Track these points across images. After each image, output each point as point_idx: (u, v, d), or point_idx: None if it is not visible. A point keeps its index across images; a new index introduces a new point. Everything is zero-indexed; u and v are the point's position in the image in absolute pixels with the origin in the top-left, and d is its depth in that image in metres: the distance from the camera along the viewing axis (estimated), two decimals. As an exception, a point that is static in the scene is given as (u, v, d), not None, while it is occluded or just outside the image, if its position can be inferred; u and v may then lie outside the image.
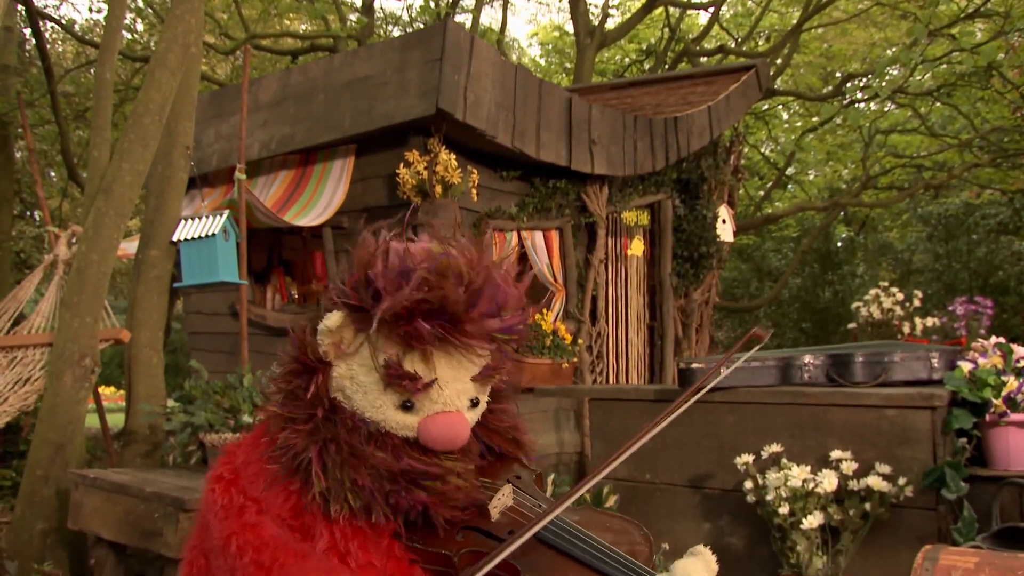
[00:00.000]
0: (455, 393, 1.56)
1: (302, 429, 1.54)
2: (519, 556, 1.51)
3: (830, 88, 13.61)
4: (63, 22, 11.30)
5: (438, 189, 4.93)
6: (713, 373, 1.83)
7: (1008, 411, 3.24)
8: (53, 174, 12.89)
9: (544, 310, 6.01)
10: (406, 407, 1.54)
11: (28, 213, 11.91)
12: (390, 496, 1.51)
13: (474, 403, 1.61)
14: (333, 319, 1.56)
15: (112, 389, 14.56)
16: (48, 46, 9.80)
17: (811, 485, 3.23)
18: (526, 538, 1.50)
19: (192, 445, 3.93)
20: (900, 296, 5.39)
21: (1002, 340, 3.50)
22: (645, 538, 1.60)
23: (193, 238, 4.37)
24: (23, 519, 3.92)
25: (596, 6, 14.17)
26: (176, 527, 3.03)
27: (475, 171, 5.34)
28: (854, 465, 3.27)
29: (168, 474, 3.71)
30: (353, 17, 12.37)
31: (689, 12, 14.06)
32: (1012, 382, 3.27)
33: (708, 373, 1.74)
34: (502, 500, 1.60)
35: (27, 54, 10.41)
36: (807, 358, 3.66)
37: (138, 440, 4.34)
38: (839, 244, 14.29)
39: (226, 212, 4.41)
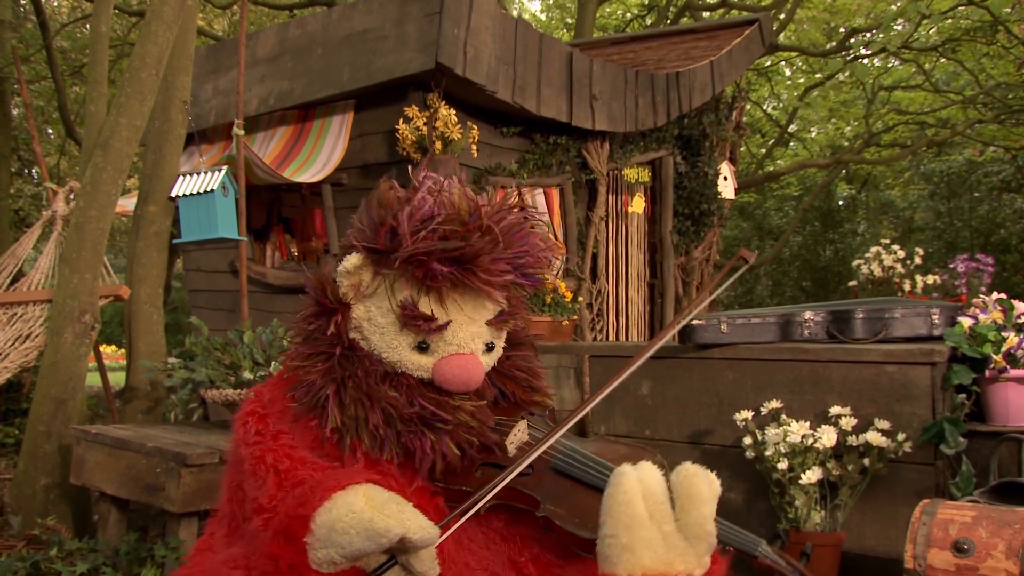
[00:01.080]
0: (470, 336, 1.58)
1: (321, 367, 1.59)
2: (536, 487, 1.55)
3: (834, 43, 13.46)
4: (57, -24, 11.15)
5: (438, 145, 4.89)
6: (702, 299, 1.84)
7: (1008, 367, 3.25)
8: (50, 131, 12.81)
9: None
10: (421, 348, 1.57)
11: (26, 170, 11.84)
12: (401, 437, 1.54)
13: (489, 347, 1.64)
14: (352, 260, 1.59)
15: (113, 348, 14.61)
16: (43, 0, 9.68)
17: (810, 441, 3.24)
18: (532, 457, 1.54)
19: (193, 402, 3.94)
20: (901, 254, 5.37)
21: (1003, 296, 3.49)
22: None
23: (192, 194, 4.34)
24: (26, 474, 3.94)
25: (598, -40, 13.96)
26: (178, 482, 3.05)
27: (475, 127, 5.30)
28: (853, 421, 3.28)
29: (170, 430, 3.73)
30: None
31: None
32: (1012, 338, 3.27)
33: (698, 298, 1.73)
34: (518, 436, 1.64)
35: (22, 8, 10.27)
36: (807, 314, 3.66)
37: (139, 396, 4.36)
38: (840, 202, 14.23)
39: (224, 168, 4.39)
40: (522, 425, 1.66)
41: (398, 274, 1.55)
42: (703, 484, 1.44)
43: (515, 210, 1.63)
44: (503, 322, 1.64)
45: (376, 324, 1.59)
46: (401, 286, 1.56)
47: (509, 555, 1.62)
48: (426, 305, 1.54)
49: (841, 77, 13.99)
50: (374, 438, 1.54)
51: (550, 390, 1.84)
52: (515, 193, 5.68)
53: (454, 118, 4.94)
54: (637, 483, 1.40)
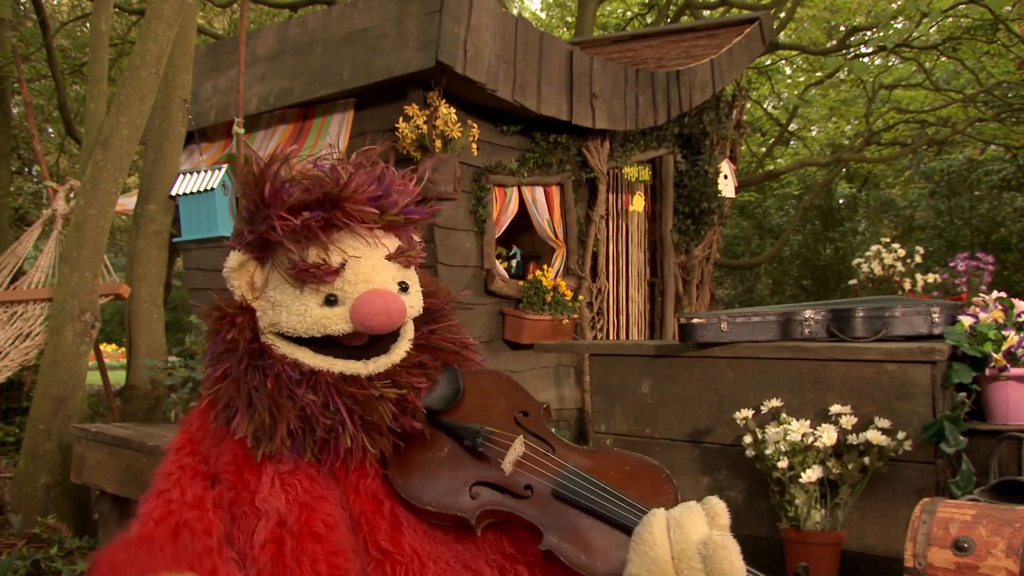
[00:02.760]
0: (372, 269, 1.53)
1: (231, 384, 1.54)
2: (538, 514, 1.45)
3: (834, 42, 13.46)
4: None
5: (438, 143, 4.89)
6: None
7: (1008, 365, 3.25)
8: (50, 129, 12.81)
9: (545, 266, 6.00)
10: (330, 301, 1.51)
11: (26, 169, 11.85)
12: (319, 441, 1.50)
13: (403, 287, 1.59)
14: (233, 258, 1.60)
15: (113, 346, 14.61)
16: (43, -1, 9.68)
17: (810, 439, 3.24)
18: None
19: (194, 400, 3.94)
20: (901, 252, 5.37)
21: (1003, 295, 3.49)
22: (669, 482, 1.52)
23: (192, 192, 4.34)
24: (26, 473, 3.94)
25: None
26: (178, 480, 3.04)
27: (475, 125, 5.29)
28: (853, 419, 3.28)
29: (170, 428, 3.73)
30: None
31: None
32: (1012, 337, 3.27)
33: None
34: (515, 452, 1.53)
35: (22, 7, 10.27)
36: (808, 313, 3.66)
37: (139, 395, 4.36)
38: (841, 201, 14.22)
39: (224, 166, 4.39)
40: (519, 441, 1.54)
41: (279, 249, 1.53)
42: (736, 559, 1.35)
43: (374, 163, 1.60)
44: (403, 255, 1.58)
45: (279, 304, 1.54)
46: (285, 257, 1.52)
47: (486, 552, 1.58)
48: (314, 256, 1.50)
49: (842, 76, 13.98)
50: (291, 444, 1.50)
51: (476, 346, 1.77)
52: (497, 198, 5.67)
53: (454, 116, 4.94)
54: (665, 536, 1.34)
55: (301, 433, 1.49)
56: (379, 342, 1.55)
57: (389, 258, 1.56)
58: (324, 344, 1.53)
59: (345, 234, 1.52)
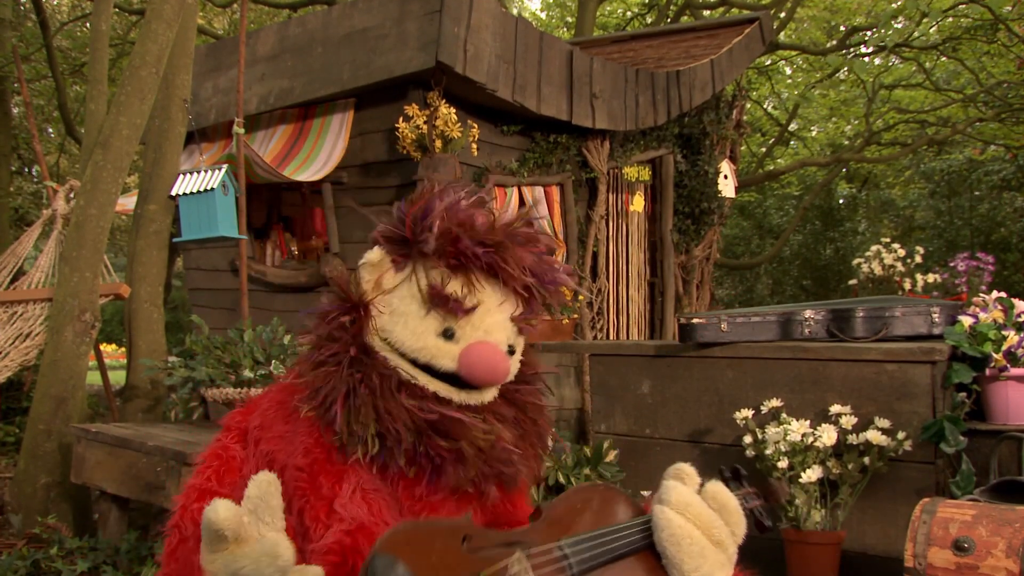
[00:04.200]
0: (497, 324, 1.55)
1: (334, 371, 1.53)
2: None
3: (834, 42, 13.46)
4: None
5: (438, 144, 4.89)
6: None
7: (1008, 365, 3.25)
8: (50, 129, 12.81)
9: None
10: (447, 335, 1.52)
11: (26, 169, 11.85)
12: (416, 445, 1.49)
13: (511, 350, 1.60)
14: (374, 253, 1.58)
15: (113, 346, 14.61)
16: (43, -1, 9.68)
17: (810, 439, 3.24)
18: None
19: (194, 400, 3.94)
20: (901, 252, 5.37)
21: (1003, 295, 3.49)
22: (610, 489, 1.57)
23: (192, 192, 4.34)
24: (26, 473, 3.94)
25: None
26: (179, 480, 3.05)
27: (475, 125, 5.29)
28: (853, 419, 3.28)
29: (170, 428, 3.73)
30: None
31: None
32: (1012, 336, 3.27)
33: None
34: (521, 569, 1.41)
35: (22, 7, 10.27)
36: (808, 313, 3.66)
37: (139, 395, 4.36)
38: (841, 201, 14.22)
39: (225, 166, 4.38)
40: (517, 560, 1.40)
41: (425, 261, 1.53)
42: (729, 496, 1.50)
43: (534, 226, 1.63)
44: (525, 321, 1.60)
45: (399, 314, 1.54)
46: (427, 272, 1.53)
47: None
48: (455, 287, 1.51)
49: (842, 76, 13.98)
50: (383, 446, 1.49)
51: (551, 428, 1.78)
52: (497, 198, 5.68)
53: (454, 116, 4.94)
54: (681, 518, 1.42)
55: (396, 437, 1.48)
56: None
57: (513, 319, 1.58)
58: (420, 367, 1.54)
59: (491, 278, 1.54)
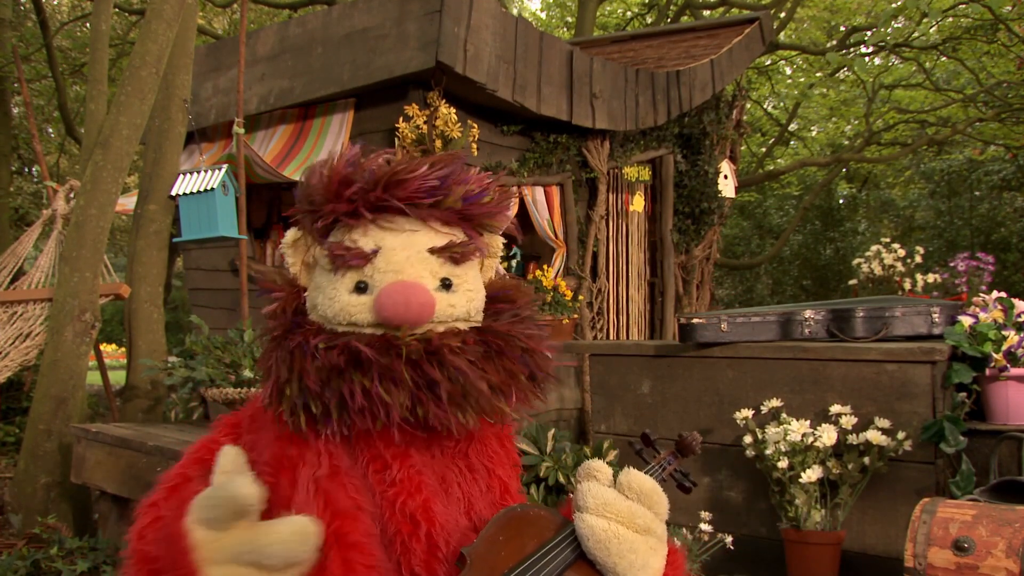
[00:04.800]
0: (407, 261, 1.44)
1: (266, 355, 1.48)
2: None
3: (834, 42, 13.46)
4: (57, -26, 11.16)
5: (438, 143, 4.89)
6: None
7: (1008, 365, 3.25)
8: (50, 129, 12.81)
9: (545, 266, 6.00)
10: (360, 288, 1.44)
11: (26, 169, 11.86)
12: (333, 395, 1.39)
13: (445, 283, 1.47)
14: (290, 233, 1.55)
15: (113, 346, 14.62)
16: (43, -1, 9.69)
17: (810, 439, 3.24)
18: None
19: (194, 400, 3.94)
20: (901, 252, 5.37)
21: (1003, 295, 3.49)
22: (526, 510, 1.51)
23: (192, 192, 4.34)
24: (26, 473, 3.94)
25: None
26: (178, 480, 3.04)
27: (475, 125, 5.29)
28: (853, 419, 3.28)
29: (170, 428, 3.73)
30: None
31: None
32: (1012, 336, 3.27)
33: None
34: None
35: (22, 7, 10.28)
36: (808, 313, 3.66)
37: (139, 395, 4.36)
38: (841, 201, 14.22)
39: (225, 166, 4.38)
40: None
41: (326, 225, 1.47)
42: (643, 479, 1.46)
43: (454, 159, 1.51)
44: (452, 250, 1.47)
45: (317, 286, 1.49)
46: (333, 236, 1.47)
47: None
48: (352, 240, 1.44)
49: (841, 76, 13.98)
50: (314, 407, 1.39)
51: (549, 361, 1.59)
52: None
53: (454, 116, 4.94)
54: (603, 520, 1.40)
55: (319, 392, 1.39)
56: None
57: (433, 251, 1.47)
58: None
59: (392, 220, 1.45)
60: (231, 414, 1.64)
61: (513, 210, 1.52)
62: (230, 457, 1.38)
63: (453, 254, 1.48)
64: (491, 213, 1.53)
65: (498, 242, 1.62)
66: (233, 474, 1.33)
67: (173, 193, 4.44)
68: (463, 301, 1.49)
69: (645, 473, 1.58)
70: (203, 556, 1.28)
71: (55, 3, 13.20)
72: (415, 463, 1.48)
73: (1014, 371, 3.25)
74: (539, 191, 5.97)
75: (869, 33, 12.61)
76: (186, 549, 1.29)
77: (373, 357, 1.37)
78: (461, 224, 1.51)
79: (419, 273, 1.45)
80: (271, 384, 1.44)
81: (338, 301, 1.45)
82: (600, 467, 1.47)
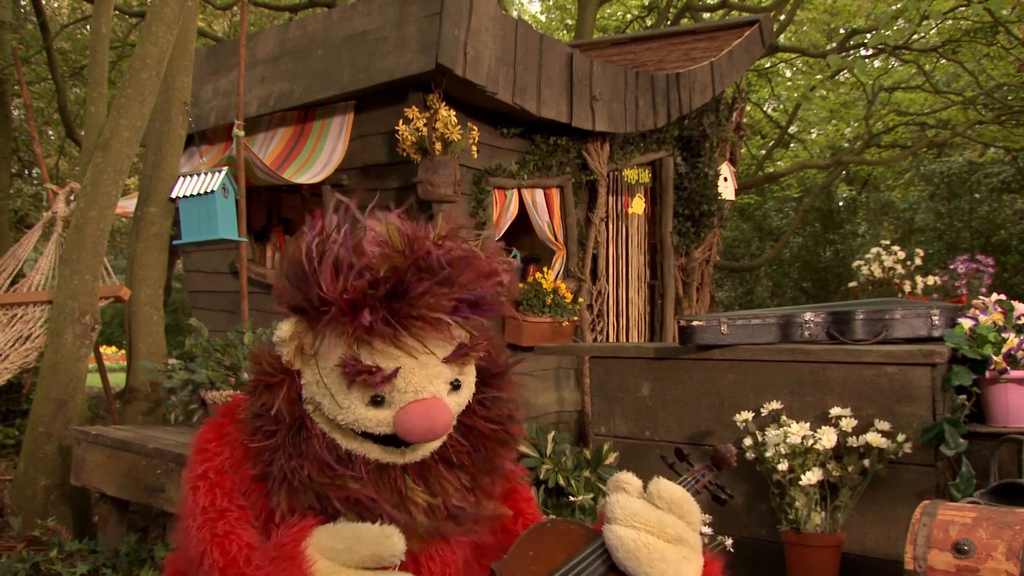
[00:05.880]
0: (425, 378, 1.46)
1: (269, 444, 1.50)
2: None
3: (834, 45, 13.46)
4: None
5: (438, 146, 4.89)
6: None
7: (1008, 368, 3.25)
8: (51, 132, 12.81)
9: (545, 268, 6.00)
10: (376, 402, 1.45)
11: (26, 171, 11.85)
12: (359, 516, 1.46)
13: (455, 385, 1.51)
14: (285, 327, 1.51)
15: (113, 349, 14.62)
16: (43, 1, 9.69)
17: (810, 442, 3.24)
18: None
19: (194, 403, 3.94)
20: (901, 255, 5.37)
21: (1003, 297, 3.49)
22: (560, 523, 1.55)
23: (192, 195, 4.34)
24: (26, 475, 3.94)
25: (598, -39, 13.95)
26: (179, 483, 3.04)
27: (475, 128, 5.30)
28: (853, 422, 3.28)
29: (170, 431, 3.73)
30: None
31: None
32: (1012, 339, 3.27)
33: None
34: None
35: (22, 10, 10.28)
36: (808, 315, 3.66)
37: (139, 398, 4.36)
38: (841, 203, 14.22)
39: (225, 169, 4.38)
40: None
41: (333, 330, 1.45)
42: (673, 489, 1.47)
43: (460, 240, 1.50)
44: (463, 355, 1.50)
45: (323, 386, 1.48)
46: (340, 341, 1.45)
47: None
48: (369, 356, 1.43)
49: (841, 78, 13.99)
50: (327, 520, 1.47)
51: (522, 433, 1.68)
52: (497, 201, 5.66)
53: (454, 119, 4.94)
54: (631, 531, 1.41)
55: (342, 513, 1.47)
56: None
57: (447, 361, 1.49)
58: (359, 435, 1.50)
59: (406, 333, 1.44)
60: (203, 463, 1.60)
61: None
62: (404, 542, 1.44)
63: (463, 358, 1.51)
64: (499, 304, 1.53)
65: None
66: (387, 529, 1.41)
67: (173, 195, 4.44)
68: (466, 396, 1.56)
69: (679, 481, 1.59)
70: None
71: (55, 5, 13.20)
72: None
73: (1014, 373, 3.25)
74: (539, 193, 5.97)
75: (869, 35, 12.61)
76: (304, 572, 1.38)
77: (388, 514, 1.47)
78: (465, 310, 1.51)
79: (436, 388, 1.48)
80: (282, 491, 1.48)
81: (352, 412, 1.46)
82: (629, 479, 1.48)
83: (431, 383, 1.47)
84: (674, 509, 1.42)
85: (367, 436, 1.49)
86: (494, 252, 1.53)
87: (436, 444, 1.53)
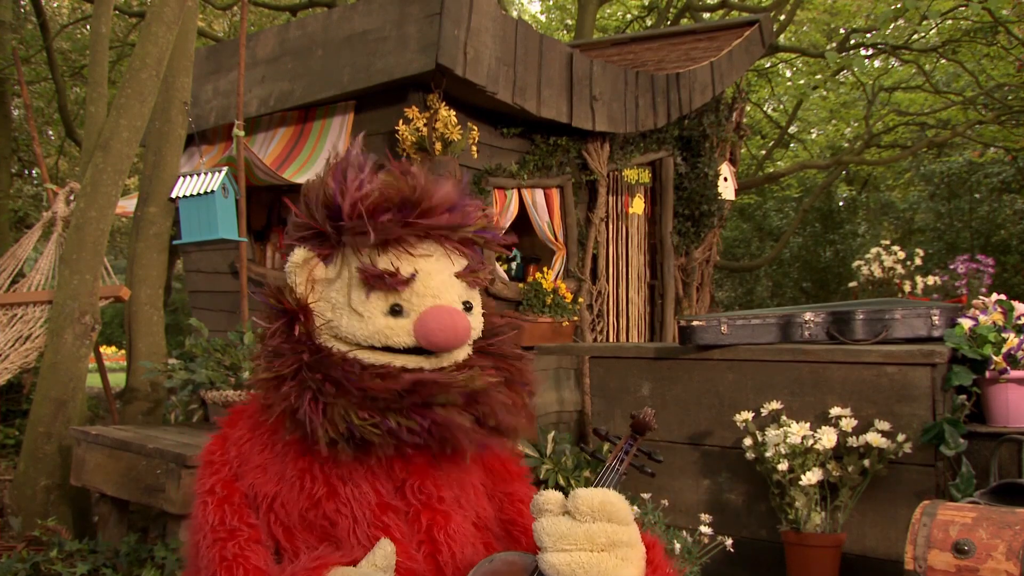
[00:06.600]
0: (442, 285, 1.49)
1: (293, 383, 1.46)
2: None
3: (834, 44, 13.47)
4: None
5: (438, 146, 4.89)
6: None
7: (1008, 368, 3.25)
8: (51, 132, 12.82)
9: (545, 268, 6.00)
10: (395, 311, 1.47)
11: (26, 171, 11.86)
12: (400, 424, 1.43)
13: (467, 306, 1.54)
14: (298, 253, 1.53)
15: (113, 349, 14.62)
16: (43, 1, 9.69)
17: (810, 442, 3.24)
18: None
19: (194, 403, 3.94)
20: (901, 255, 5.37)
21: (1003, 297, 3.49)
22: (509, 561, 1.51)
23: (192, 195, 4.34)
24: (26, 476, 3.94)
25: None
26: (178, 483, 3.05)
27: (475, 128, 5.30)
28: (853, 422, 3.28)
29: (170, 431, 3.73)
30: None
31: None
32: (1012, 339, 3.27)
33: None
34: None
35: (22, 10, 10.28)
36: (808, 315, 3.66)
37: (139, 398, 4.36)
38: (841, 203, 14.22)
39: (225, 169, 4.38)
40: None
41: (349, 248, 1.49)
42: (592, 496, 1.39)
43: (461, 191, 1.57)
44: (472, 273, 1.54)
45: (341, 306, 1.50)
46: (357, 256, 1.48)
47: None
48: (386, 262, 1.47)
49: (841, 78, 13.99)
50: (371, 434, 1.43)
51: (532, 368, 1.66)
52: (498, 200, 5.66)
53: (454, 119, 4.94)
54: (563, 555, 1.35)
55: (376, 424, 1.43)
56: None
57: (458, 275, 1.52)
58: (380, 350, 1.49)
59: (419, 243, 1.49)
60: (210, 476, 1.59)
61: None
62: (386, 552, 1.40)
63: (471, 277, 1.55)
64: (496, 241, 1.60)
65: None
66: (387, 571, 1.38)
67: (173, 195, 4.44)
68: (478, 323, 1.58)
69: (598, 478, 1.58)
70: None
71: (55, 5, 13.20)
72: (440, 480, 1.54)
73: (1014, 373, 3.25)
74: (539, 193, 5.97)
75: (869, 35, 12.61)
76: None
77: (438, 388, 1.44)
78: (471, 248, 1.57)
79: (451, 298, 1.50)
80: (311, 416, 1.44)
81: (372, 323, 1.47)
82: (548, 498, 1.41)
83: (448, 291, 1.50)
84: (599, 515, 1.36)
85: (388, 350, 1.48)
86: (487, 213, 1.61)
87: (461, 356, 1.53)
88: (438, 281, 1.49)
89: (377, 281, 1.46)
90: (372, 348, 1.49)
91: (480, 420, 1.48)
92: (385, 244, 1.48)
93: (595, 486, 1.48)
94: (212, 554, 1.46)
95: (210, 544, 1.47)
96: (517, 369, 1.60)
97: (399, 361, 1.48)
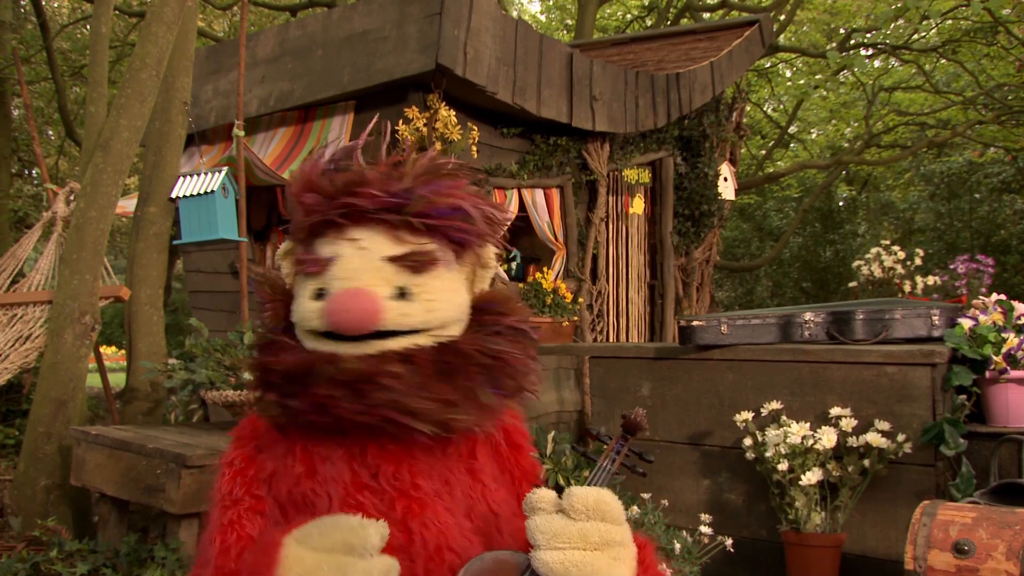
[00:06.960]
0: (362, 268, 1.46)
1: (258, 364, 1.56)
2: None
3: (834, 44, 13.47)
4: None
5: (438, 146, 4.89)
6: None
7: (1008, 368, 3.25)
8: (51, 132, 12.82)
9: (545, 268, 6.00)
10: (319, 295, 1.48)
11: (26, 171, 11.86)
12: (289, 400, 1.46)
13: (401, 292, 1.48)
14: (284, 244, 1.62)
15: (113, 349, 14.62)
16: (43, 1, 9.69)
17: (810, 442, 3.24)
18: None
19: (194, 403, 3.94)
20: (901, 255, 5.37)
21: (1003, 297, 3.49)
22: (501, 560, 1.50)
23: (192, 195, 4.34)
24: (26, 476, 3.94)
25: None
26: (178, 483, 3.04)
27: (475, 128, 5.30)
28: (853, 422, 3.28)
29: (170, 431, 3.73)
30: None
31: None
32: (1012, 339, 3.27)
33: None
34: None
35: (22, 9, 10.28)
36: (808, 315, 3.66)
37: (139, 398, 4.36)
38: (841, 203, 14.22)
39: (225, 169, 4.38)
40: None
41: (296, 230, 1.55)
42: (585, 495, 1.39)
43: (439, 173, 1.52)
44: (409, 261, 1.47)
45: (297, 294, 1.55)
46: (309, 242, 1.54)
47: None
48: (323, 247, 1.50)
49: (841, 78, 13.99)
50: (278, 413, 1.50)
51: (534, 384, 1.64)
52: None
53: (454, 119, 4.95)
54: (556, 553, 1.36)
55: (276, 401, 1.49)
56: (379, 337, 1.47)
57: (390, 259, 1.47)
58: (328, 336, 1.48)
59: (354, 228, 1.48)
60: (235, 448, 1.65)
61: (503, 217, 1.49)
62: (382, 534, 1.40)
63: (411, 263, 1.49)
64: (455, 227, 1.52)
65: (490, 253, 1.63)
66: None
67: (173, 195, 4.43)
68: (420, 311, 1.49)
69: (590, 478, 1.58)
70: (289, 566, 1.36)
71: (55, 5, 13.20)
72: (417, 468, 1.52)
73: (1014, 373, 3.25)
74: (539, 193, 5.98)
75: (869, 35, 12.61)
76: (273, 561, 1.37)
77: (315, 369, 1.44)
78: (431, 234, 1.51)
79: (372, 281, 1.47)
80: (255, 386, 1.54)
81: (301, 307, 1.51)
82: (542, 497, 1.41)
83: (366, 275, 1.47)
84: (593, 514, 1.37)
85: (312, 333, 1.50)
86: (473, 191, 1.55)
87: (396, 345, 1.47)
88: (357, 264, 1.47)
89: (299, 265, 1.52)
90: (307, 333, 1.52)
91: (424, 412, 1.44)
92: (324, 229, 1.50)
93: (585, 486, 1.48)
94: (215, 519, 1.54)
95: (217, 511, 1.54)
96: (469, 361, 1.52)
97: (321, 346, 1.49)
